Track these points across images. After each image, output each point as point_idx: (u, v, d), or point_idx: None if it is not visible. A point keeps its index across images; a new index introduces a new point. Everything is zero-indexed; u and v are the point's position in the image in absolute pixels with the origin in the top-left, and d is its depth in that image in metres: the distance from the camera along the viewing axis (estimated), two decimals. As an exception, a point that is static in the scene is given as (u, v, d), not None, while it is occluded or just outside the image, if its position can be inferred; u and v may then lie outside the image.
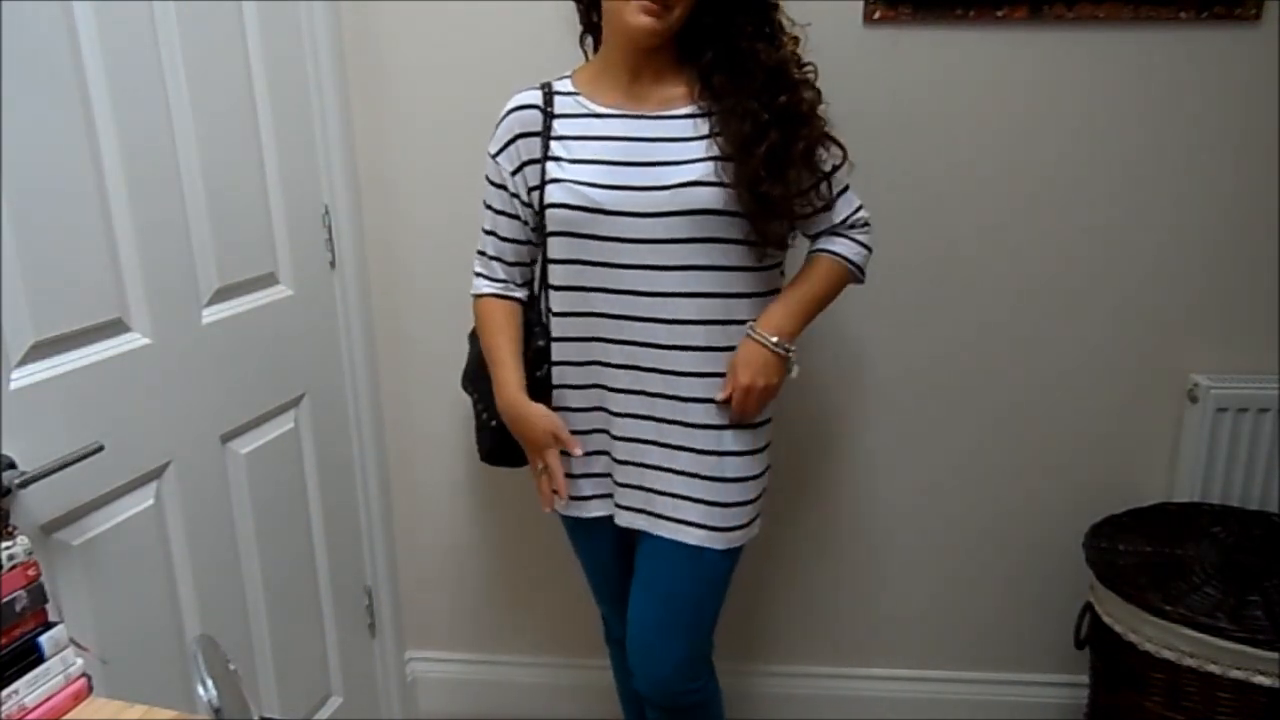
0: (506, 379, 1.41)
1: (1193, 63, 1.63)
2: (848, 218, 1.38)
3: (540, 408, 1.39)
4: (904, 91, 1.69)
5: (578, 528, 1.53)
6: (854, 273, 1.40)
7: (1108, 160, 1.70)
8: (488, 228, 1.44)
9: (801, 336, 1.38)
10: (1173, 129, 1.67)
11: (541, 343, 1.42)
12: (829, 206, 1.36)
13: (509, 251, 1.43)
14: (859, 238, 1.39)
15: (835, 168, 1.34)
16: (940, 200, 1.75)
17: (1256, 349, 1.75)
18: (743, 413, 1.35)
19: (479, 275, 1.46)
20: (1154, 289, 1.76)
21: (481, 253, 1.46)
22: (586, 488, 1.45)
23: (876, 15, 1.65)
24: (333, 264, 1.77)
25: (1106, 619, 1.60)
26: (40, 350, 1.13)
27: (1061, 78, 1.66)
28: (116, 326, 1.25)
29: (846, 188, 1.38)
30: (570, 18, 1.49)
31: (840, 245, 1.38)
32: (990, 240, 1.76)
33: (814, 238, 1.40)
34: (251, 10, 1.50)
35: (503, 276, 1.44)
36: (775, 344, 1.33)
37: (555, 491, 1.40)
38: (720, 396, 1.35)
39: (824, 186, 1.33)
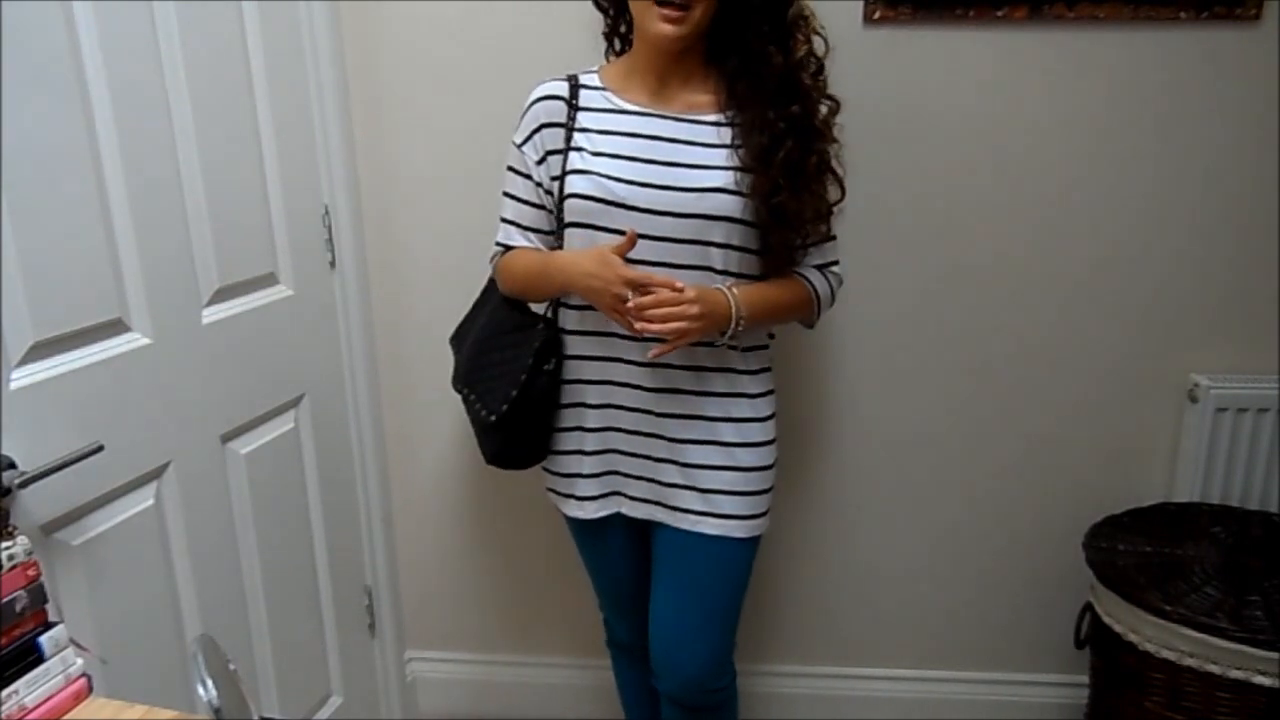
0: (561, 258, 1.34)
1: (1193, 63, 1.63)
2: (830, 263, 1.43)
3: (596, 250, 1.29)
4: (904, 91, 1.69)
5: (585, 531, 1.52)
6: (814, 306, 1.41)
7: (1107, 160, 1.70)
8: (509, 217, 1.42)
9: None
10: (1172, 129, 1.67)
11: (551, 333, 1.41)
12: (826, 239, 1.40)
13: (534, 240, 1.42)
14: (832, 282, 1.43)
15: (836, 202, 1.37)
16: (940, 200, 1.74)
17: (1256, 349, 1.75)
18: (661, 320, 1.23)
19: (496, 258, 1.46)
20: (1154, 289, 1.76)
21: (501, 244, 1.44)
22: (594, 488, 1.45)
23: (876, 15, 1.65)
24: (333, 264, 1.77)
25: (1106, 619, 1.60)
26: (40, 350, 1.13)
27: (1061, 78, 1.66)
28: (116, 326, 1.25)
29: (835, 236, 1.42)
30: (570, 19, 1.49)
31: (815, 276, 1.41)
32: (990, 240, 1.76)
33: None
34: (251, 10, 1.50)
35: None
36: (738, 315, 1.29)
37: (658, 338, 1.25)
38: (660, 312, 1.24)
39: (826, 221, 1.37)
